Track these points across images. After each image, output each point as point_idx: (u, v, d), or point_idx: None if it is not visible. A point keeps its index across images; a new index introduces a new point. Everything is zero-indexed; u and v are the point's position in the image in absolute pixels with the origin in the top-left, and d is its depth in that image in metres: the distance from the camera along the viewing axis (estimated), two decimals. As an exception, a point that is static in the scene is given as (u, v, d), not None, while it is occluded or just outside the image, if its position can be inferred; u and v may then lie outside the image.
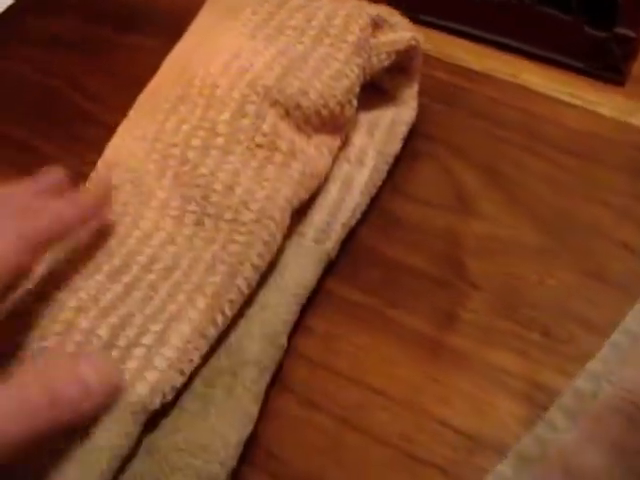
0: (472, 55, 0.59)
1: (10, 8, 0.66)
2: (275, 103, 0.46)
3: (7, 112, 0.60)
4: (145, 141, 0.47)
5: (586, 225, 0.50)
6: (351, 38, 0.49)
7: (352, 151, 0.51)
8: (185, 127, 0.46)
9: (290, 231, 0.47)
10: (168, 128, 0.47)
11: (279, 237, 0.45)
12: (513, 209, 0.51)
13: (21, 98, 0.61)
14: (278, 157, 0.46)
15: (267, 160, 0.46)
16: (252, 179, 0.45)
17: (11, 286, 0.41)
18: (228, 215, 0.44)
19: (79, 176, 0.51)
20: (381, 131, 0.52)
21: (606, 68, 0.57)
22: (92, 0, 0.66)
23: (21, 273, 0.41)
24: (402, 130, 0.52)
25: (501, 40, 0.59)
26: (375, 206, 0.51)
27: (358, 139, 0.52)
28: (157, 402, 0.39)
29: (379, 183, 0.51)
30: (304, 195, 0.47)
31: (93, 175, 0.49)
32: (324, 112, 0.47)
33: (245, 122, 0.46)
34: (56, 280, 0.43)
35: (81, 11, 0.66)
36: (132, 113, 0.51)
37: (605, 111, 0.55)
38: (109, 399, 0.39)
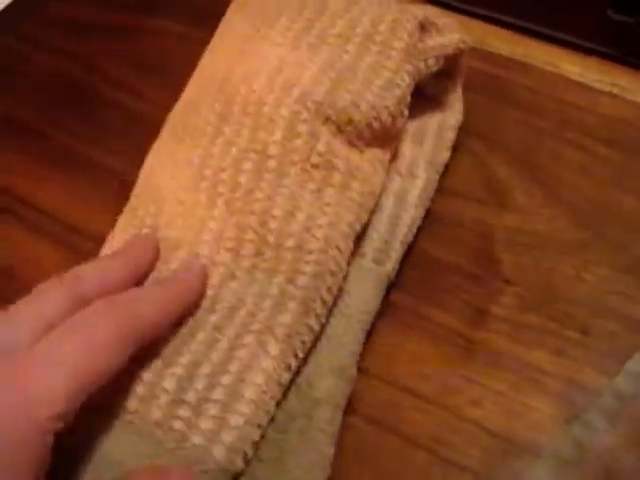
0: (506, 43, 0.58)
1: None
2: (327, 119, 0.43)
3: (25, 98, 0.59)
4: (191, 167, 0.44)
5: (624, 218, 0.48)
6: (399, 44, 0.45)
7: (403, 163, 0.49)
8: (234, 150, 0.43)
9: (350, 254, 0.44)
10: (215, 152, 0.44)
11: (344, 266, 0.42)
12: (548, 202, 0.49)
13: (40, 84, 0.60)
14: (337, 177, 0.43)
15: (325, 182, 0.43)
16: (312, 204, 0.42)
17: None
18: (290, 243, 0.41)
19: (99, 165, 0.51)
20: (429, 139, 0.50)
21: (632, 54, 0.56)
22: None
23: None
24: (450, 136, 0.50)
25: (534, 28, 0.58)
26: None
27: (407, 149, 0.49)
28: (239, 463, 0.37)
29: (432, 194, 0.49)
30: (365, 217, 0.44)
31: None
32: (376, 125, 0.44)
33: (298, 142, 0.43)
34: None
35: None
36: (165, 134, 0.48)
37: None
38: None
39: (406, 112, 0.46)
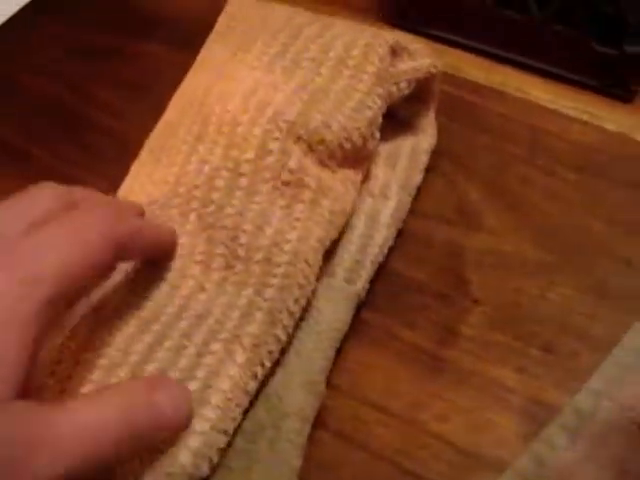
0: (480, 70, 0.59)
1: (20, 12, 0.66)
2: (298, 139, 0.45)
3: (9, 118, 0.60)
4: (167, 185, 0.46)
5: (589, 241, 0.50)
6: (371, 69, 0.47)
7: (375, 184, 0.50)
8: (207, 168, 0.45)
9: (320, 271, 0.45)
10: (189, 170, 0.45)
11: (313, 280, 0.44)
12: (516, 224, 0.51)
13: (25, 105, 0.61)
14: (307, 194, 0.44)
15: (296, 198, 0.44)
16: (282, 219, 0.43)
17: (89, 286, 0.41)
18: (259, 256, 0.42)
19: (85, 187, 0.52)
20: (402, 162, 0.51)
21: (615, 85, 0.57)
22: (102, 7, 0.66)
23: (102, 273, 0.40)
24: (423, 160, 0.52)
25: (510, 56, 0.59)
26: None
27: (380, 171, 0.51)
28: (204, 468, 0.38)
29: (404, 216, 0.50)
30: (335, 234, 0.46)
31: None
32: (347, 145, 0.46)
33: (270, 160, 0.44)
34: (83, 339, 0.41)
35: (90, 18, 0.66)
36: (144, 154, 0.49)
37: (612, 126, 0.55)
38: (180, 430, 0.38)
39: (377, 134, 0.48)
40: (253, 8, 0.52)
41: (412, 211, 0.51)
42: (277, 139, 0.44)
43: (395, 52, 0.49)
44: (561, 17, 0.56)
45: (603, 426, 0.42)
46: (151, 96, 0.56)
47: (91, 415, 0.35)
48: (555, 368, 0.45)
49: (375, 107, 0.47)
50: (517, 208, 0.51)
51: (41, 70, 0.63)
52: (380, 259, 0.48)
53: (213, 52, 0.52)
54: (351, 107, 0.46)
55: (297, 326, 0.44)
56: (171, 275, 0.43)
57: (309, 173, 0.45)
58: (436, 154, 0.53)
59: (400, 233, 0.50)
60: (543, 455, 0.42)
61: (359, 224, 0.49)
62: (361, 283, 0.47)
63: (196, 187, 0.45)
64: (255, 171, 0.44)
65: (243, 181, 0.44)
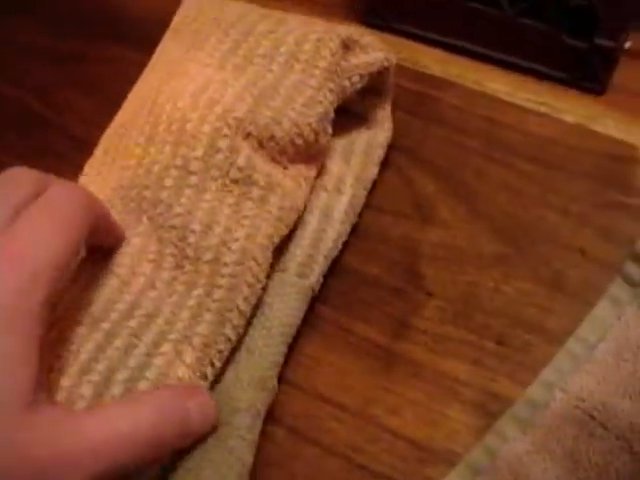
0: (437, 62, 0.59)
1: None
2: (248, 135, 0.45)
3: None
4: (122, 189, 0.45)
5: (544, 233, 0.50)
6: (322, 63, 0.47)
7: (329, 179, 0.50)
8: (156, 168, 0.44)
9: (271, 266, 0.45)
10: (141, 172, 0.45)
11: (263, 278, 0.43)
12: (471, 217, 0.50)
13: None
14: (255, 192, 0.44)
15: (244, 196, 0.44)
16: (230, 217, 0.43)
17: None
18: (208, 256, 0.42)
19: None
20: (357, 156, 0.51)
21: (586, 78, 0.57)
22: (64, 9, 0.66)
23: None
24: (379, 153, 0.52)
25: (480, 51, 0.59)
26: (332, 215, 0.51)
27: (334, 166, 0.51)
28: (155, 467, 0.39)
29: (359, 210, 0.50)
30: (284, 231, 0.45)
31: None
32: (298, 141, 0.46)
33: (219, 157, 0.44)
34: None
35: (52, 20, 0.65)
36: (99, 154, 0.49)
37: (570, 118, 0.55)
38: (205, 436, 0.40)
39: (329, 129, 0.47)
40: (208, 5, 0.52)
41: (367, 205, 0.51)
42: (226, 136, 0.44)
43: (347, 46, 0.49)
44: (531, 11, 0.55)
45: (555, 417, 0.42)
46: (119, 99, 0.56)
47: (124, 422, 0.36)
48: (509, 361, 0.45)
49: (326, 102, 0.47)
50: (472, 201, 0.51)
51: (3, 73, 0.62)
52: (334, 254, 0.48)
53: (167, 50, 0.51)
54: (302, 103, 0.46)
55: (249, 324, 0.44)
56: (122, 271, 0.43)
57: (258, 170, 0.44)
58: (392, 147, 0.53)
59: (355, 228, 0.50)
60: (495, 447, 0.42)
61: (312, 220, 0.48)
62: (314, 277, 0.47)
63: (146, 187, 0.44)
64: (204, 169, 0.44)
65: (192, 179, 0.44)
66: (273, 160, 0.46)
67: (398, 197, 0.52)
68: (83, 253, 0.43)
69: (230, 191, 0.44)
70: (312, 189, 0.49)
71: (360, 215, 0.50)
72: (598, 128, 0.54)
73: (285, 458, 0.43)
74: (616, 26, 0.54)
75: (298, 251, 0.47)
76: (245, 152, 0.44)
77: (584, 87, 0.57)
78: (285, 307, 0.45)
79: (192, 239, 0.42)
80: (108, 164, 0.48)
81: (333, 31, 0.48)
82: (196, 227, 0.43)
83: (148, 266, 0.43)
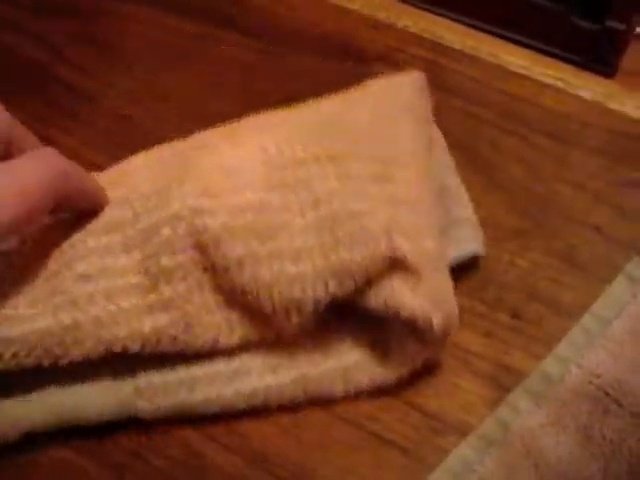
0: (454, 34, 0.58)
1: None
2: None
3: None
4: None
5: (560, 208, 0.49)
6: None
7: None
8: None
9: None
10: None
11: None
12: (487, 188, 0.50)
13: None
14: None
15: None
16: None
17: None
18: None
19: (53, 143, 0.51)
20: None
21: (596, 60, 0.56)
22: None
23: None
24: None
25: (490, 29, 0.59)
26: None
27: None
28: None
29: None
30: None
31: None
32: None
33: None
34: None
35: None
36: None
37: (586, 95, 0.55)
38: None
39: None
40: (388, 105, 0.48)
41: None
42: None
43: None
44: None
45: (570, 392, 0.42)
46: (118, 53, 0.56)
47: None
48: (522, 334, 0.45)
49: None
50: (488, 173, 0.51)
51: (7, 25, 0.61)
52: None
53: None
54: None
55: None
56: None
57: None
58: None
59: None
60: (508, 419, 0.42)
61: None
62: None
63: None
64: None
65: None
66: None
67: (414, 167, 0.51)
68: (45, 221, 0.44)
69: None
70: None
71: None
72: (614, 106, 0.54)
73: (296, 424, 0.43)
74: (627, 8, 0.54)
75: None
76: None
77: (593, 69, 0.57)
78: None
79: None
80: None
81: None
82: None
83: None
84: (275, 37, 0.59)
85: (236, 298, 0.41)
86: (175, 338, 0.41)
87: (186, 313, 0.41)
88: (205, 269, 0.41)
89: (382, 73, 0.51)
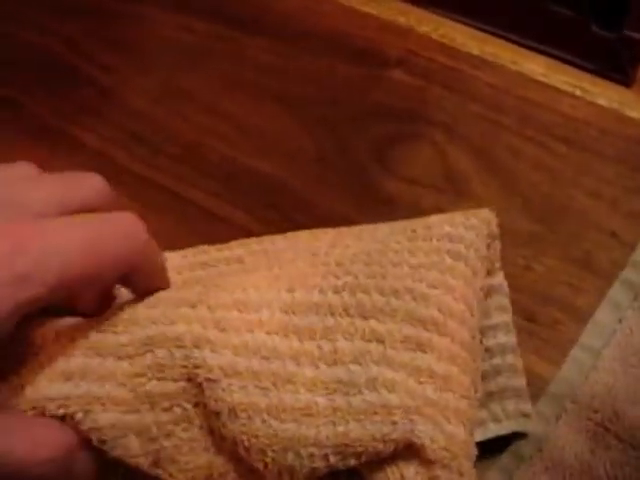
0: (474, 40, 0.59)
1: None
2: None
3: (2, 68, 0.60)
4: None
5: (576, 213, 0.50)
6: None
7: None
8: None
9: None
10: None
11: None
12: (504, 193, 0.51)
13: (17, 57, 0.61)
14: None
15: None
16: None
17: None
18: None
19: (73, 139, 0.52)
20: None
21: (613, 69, 0.57)
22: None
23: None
24: None
25: (509, 36, 0.59)
26: (366, 185, 0.51)
27: None
28: None
29: None
30: None
31: None
32: None
33: None
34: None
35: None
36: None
37: (604, 102, 0.55)
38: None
39: None
40: None
41: (401, 178, 0.51)
42: None
43: None
44: (562, 0, 0.56)
45: (569, 431, 0.42)
46: (141, 54, 0.56)
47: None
48: (537, 337, 0.45)
49: None
50: (505, 178, 0.51)
51: (35, 26, 0.62)
52: None
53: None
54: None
55: None
56: None
57: None
58: (428, 123, 0.53)
59: (388, 200, 0.50)
60: (511, 468, 0.41)
61: None
62: None
63: None
64: None
65: None
66: None
67: (432, 170, 0.52)
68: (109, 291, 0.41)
69: None
70: None
71: (393, 186, 0.51)
72: (632, 114, 0.54)
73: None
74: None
75: None
76: None
77: (611, 77, 0.57)
78: None
79: None
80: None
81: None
82: None
83: None
84: (293, 39, 0.59)
85: (226, 445, 0.36)
86: (137, 468, 0.36)
87: (162, 447, 0.36)
88: (196, 404, 0.36)
89: (400, 78, 0.51)
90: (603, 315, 0.45)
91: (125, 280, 0.37)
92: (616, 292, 0.46)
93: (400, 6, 0.61)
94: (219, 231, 0.50)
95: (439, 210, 0.50)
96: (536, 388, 0.43)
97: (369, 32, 0.59)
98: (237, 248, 0.44)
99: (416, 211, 0.50)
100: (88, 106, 0.56)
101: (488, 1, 0.58)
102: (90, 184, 0.37)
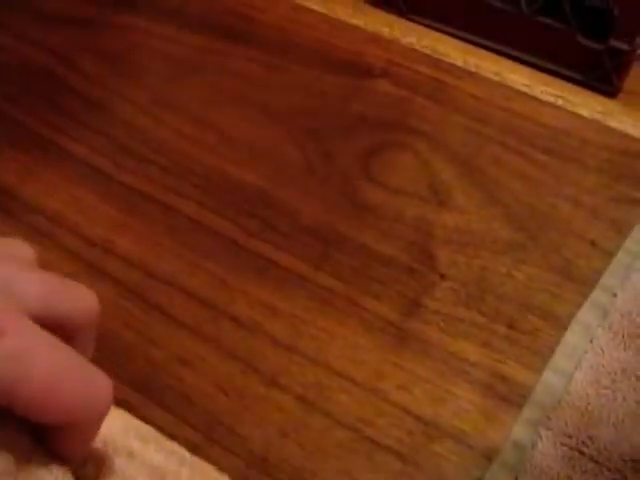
0: (457, 52, 0.60)
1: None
2: None
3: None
4: None
5: (557, 222, 0.50)
6: None
7: None
8: None
9: None
10: None
11: None
12: (487, 203, 0.51)
13: (11, 72, 0.61)
14: None
15: None
16: None
17: None
18: None
19: (62, 150, 0.53)
20: None
21: (598, 79, 0.58)
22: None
23: None
24: None
25: (495, 47, 0.60)
26: (350, 194, 0.52)
27: None
28: None
29: None
30: None
31: None
32: None
33: None
34: None
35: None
36: None
37: (586, 113, 0.56)
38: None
39: None
40: None
41: (384, 187, 0.52)
42: None
43: None
44: (548, 10, 0.56)
45: (545, 458, 0.42)
46: (129, 65, 0.57)
47: None
48: (518, 344, 0.46)
49: None
50: (488, 187, 0.52)
51: (23, 35, 0.63)
52: None
53: None
54: None
55: None
56: None
57: None
58: (412, 133, 0.54)
59: (372, 208, 0.51)
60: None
61: None
62: None
63: None
64: None
65: None
66: None
67: (415, 180, 0.53)
68: None
69: None
70: None
71: (376, 195, 0.51)
72: (613, 124, 0.55)
73: (294, 426, 0.43)
74: (631, 29, 0.55)
75: None
76: None
77: (597, 88, 0.58)
78: None
79: None
80: None
81: None
82: None
83: None
84: (280, 50, 0.60)
85: None
86: None
87: None
88: None
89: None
90: (574, 336, 0.46)
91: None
92: (585, 313, 0.47)
93: (385, 18, 0.62)
94: (204, 240, 0.50)
95: (422, 219, 0.50)
96: (518, 396, 0.44)
97: (355, 43, 0.60)
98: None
99: (400, 220, 0.51)
100: (77, 117, 0.57)
101: (471, 11, 0.58)
102: (83, 300, 0.35)
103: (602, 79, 0.57)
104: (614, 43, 0.55)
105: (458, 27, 0.60)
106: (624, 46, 0.55)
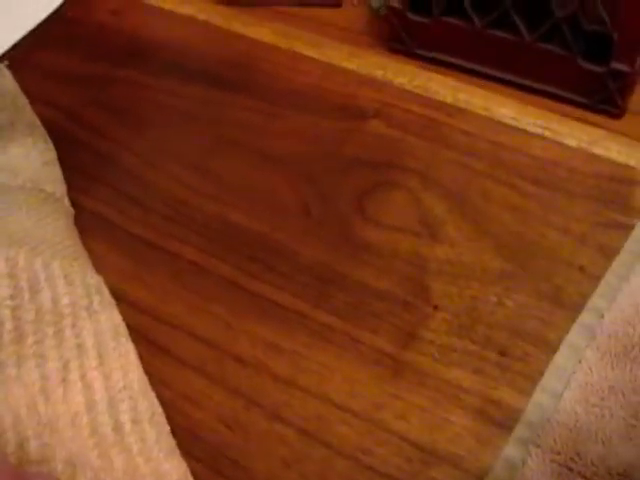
0: (448, 89, 0.62)
1: (21, 41, 0.70)
2: None
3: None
4: None
5: (546, 250, 0.52)
6: None
7: None
8: None
9: None
10: None
11: None
12: (477, 235, 0.53)
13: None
14: None
15: None
16: None
17: None
18: None
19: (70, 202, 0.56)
20: None
21: (603, 102, 0.59)
22: (92, 38, 0.70)
23: None
24: None
25: (499, 76, 0.62)
26: (346, 233, 0.54)
27: None
28: None
29: None
30: None
31: None
32: None
33: None
34: None
35: (81, 48, 0.69)
36: None
37: (573, 142, 0.58)
38: None
39: None
40: None
41: (379, 225, 0.54)
42: None
43: None
44: (549, 36, 0.58)
45: (534, 475, 0.43)
46: (134, 118, 0.60)
47: None
48: (509, 370, 0.48)
49: None
50: (478, 220, 0.54)
51: (31, 93, 0.65)
52: None
53: None
54: None
55: None
56: None
57: None
58: (404, 171, 0.56)
59: (367, 246, 0.53)
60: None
61: None
62: None
63: None
64: None
65: None
66: None
67: (408, 216, 0.55)
68: None
69: None
70: None
71: (371, 233, 0.53)
72: (599, 151, 0.57)
73: (297, 458, 0.45)
74: (632, 51, 0.57)
75: None
76: None
77: (602, 110, 0.59)
78: None
79: None
80: None
81: None
82: None
83: None
84: (277, 98, 0.62)
85: None
86: None
87: None
88: None
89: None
90: (563, 357, 0.47)
91: None
92: (574, 335, 0.48)
93: (378, 60, 0.64)
94: (208, 284, 0.52)
95: (416, 254, 0.52)
96: (510, 419, 0.46)
97: (348, 87, 0.63)
98: None
99: (394, 255, 0.53)
100: (85, 170, 0.60)
101: (474, 40, 0.60)
102: None
103: (606, 101, 0.59)
104: (615, 65, 0.57)
105: (464, 58, 0.62)
106: (626, 68, 0.56)
